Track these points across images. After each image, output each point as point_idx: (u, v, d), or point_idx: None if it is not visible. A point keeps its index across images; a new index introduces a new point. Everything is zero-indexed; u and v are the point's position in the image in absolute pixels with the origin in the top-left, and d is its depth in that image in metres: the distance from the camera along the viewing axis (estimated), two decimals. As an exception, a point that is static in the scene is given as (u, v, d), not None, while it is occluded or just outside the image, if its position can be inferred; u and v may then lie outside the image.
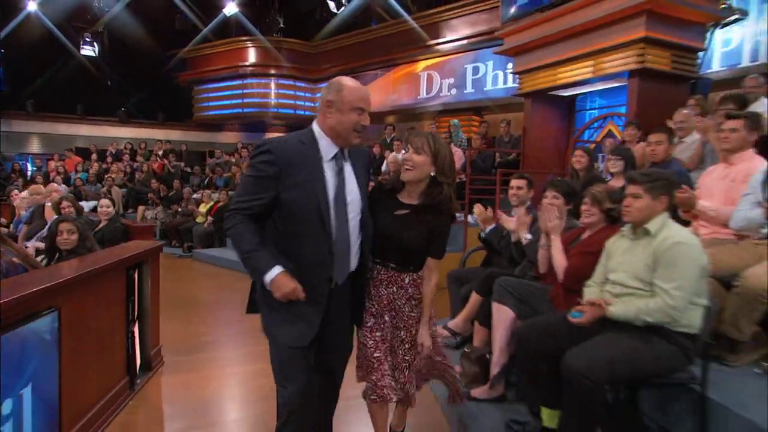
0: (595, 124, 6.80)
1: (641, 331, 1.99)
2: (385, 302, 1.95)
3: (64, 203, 4.85)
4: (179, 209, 9.20)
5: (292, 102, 13.85)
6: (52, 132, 14.22)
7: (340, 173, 1.75)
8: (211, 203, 8.51)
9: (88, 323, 2.36)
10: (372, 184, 2.03)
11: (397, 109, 12.68)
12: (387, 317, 1.95)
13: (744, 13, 5.73)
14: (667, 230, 2.10)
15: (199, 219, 8.50)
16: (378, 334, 1.94)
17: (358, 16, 12.42)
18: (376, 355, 1.91)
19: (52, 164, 11.61)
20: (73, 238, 3.04)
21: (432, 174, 1.86)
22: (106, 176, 10.68)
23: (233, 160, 10.70)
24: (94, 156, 12.26)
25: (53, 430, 2.03)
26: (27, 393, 1.84)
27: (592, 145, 6.42)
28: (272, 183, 1.66)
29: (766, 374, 2.25)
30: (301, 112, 14.11)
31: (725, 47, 7.52)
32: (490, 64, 10.47)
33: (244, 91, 13.84)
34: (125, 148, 12.90)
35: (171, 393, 3.05)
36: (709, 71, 7.63)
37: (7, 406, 1.73)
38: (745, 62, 7.37)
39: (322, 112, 1.76)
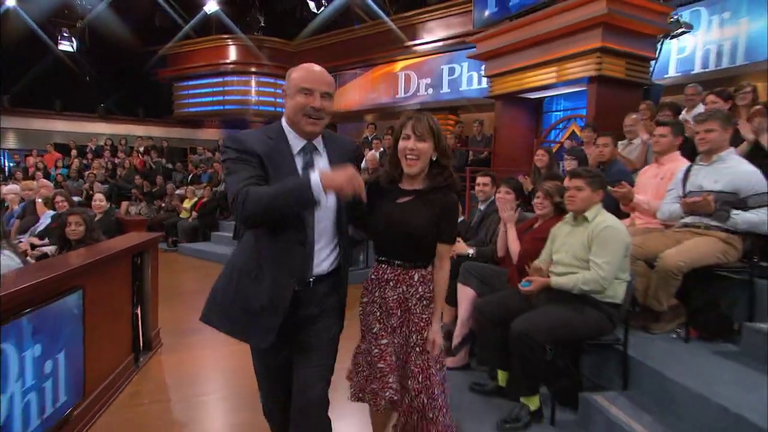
0: (561, 125, 7.31)
1: (575, 301, 2.43)
2: (392, 305, 1.78)
3: (58, 198, 5.09)
4: (162, 205, 9.40)
5: (272, 99, 14.09)
6: (29, 127, 14.13)
7: (306, 167, 1.61)
8: (195, 199, 8.75)
9: (104, 302, 2.69)
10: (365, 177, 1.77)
11: (376, 108, 13.05)
12: (395, 321, 1.78)
13: (689, 27, 6.28)
14: (601, 217, 2.54)
15: (183, 214, 8.73)
16: (384, 341, 1.76)
17: (338, 16, 12.70)
18: (380, 365, 1.72)
19: (31, 160, 11.63)
20: (81, 229, 3.33)
21: (434, 158, 1.73)
22: (87, 172, 10.76)
23: (216, 157, 10.91)
24: (73, 152, 12.29)
25: (79, 391, 2.36)
26: (61, 357, 2.17)
27: (557, 145, 6.95)
28: (256, 164, 1.55)
29: (681, 339, 2.73)
30: (282, 110, 14.11)
31: (680, 54, 8.19)
32: (465, 65, 10.92)
33: (225, 88, 14.03)
34: (105, 144, 12.95)
35: (171, 368, 3.39)
36: (666, 76, 8.29)
37: (48, 366, 2.06)
38: (697, 69, 8.06)
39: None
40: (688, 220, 2.88)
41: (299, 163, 1.62)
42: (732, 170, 2.74)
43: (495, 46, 6.85)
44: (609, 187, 2.97)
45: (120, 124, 14.80)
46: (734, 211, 2.67)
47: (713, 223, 2.72)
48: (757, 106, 3.73)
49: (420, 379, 1.75)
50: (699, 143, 2.88)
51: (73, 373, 2.28)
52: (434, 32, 11.58)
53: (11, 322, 1.80)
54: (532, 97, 7.29)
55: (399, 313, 1.78)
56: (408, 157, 1.68)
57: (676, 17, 5.98)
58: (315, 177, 1.44)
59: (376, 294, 1.80)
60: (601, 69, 5.70)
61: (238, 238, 1.82)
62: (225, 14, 13.26)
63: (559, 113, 7.77)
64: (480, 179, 3.82)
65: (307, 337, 1.69)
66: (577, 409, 2.47)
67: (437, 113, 11.46)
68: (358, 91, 13.14)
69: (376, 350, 1.75)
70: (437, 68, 11.68)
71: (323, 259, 1.67)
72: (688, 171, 2.95)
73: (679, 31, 5.99)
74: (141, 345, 3.32)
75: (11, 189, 6.01)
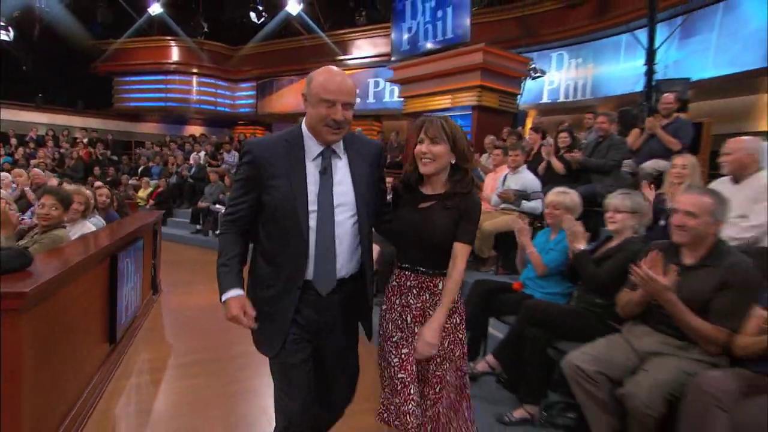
0: (456, 138, 9.43)
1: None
2: (416, 312, 1.73)
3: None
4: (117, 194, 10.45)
5: (213, 99, 15.24)
6: (-40, 115, 14.18)
7: (324, 173, 1.61)
8: (151, 189, 9.93)
9: (146, 251, 4.25)
10: (391, 180, 1.75)
11: (310, 112, 14.65)
12: (417, 329, 1.71)
13: (543, 72, 8.61)
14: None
15: (140, 203, 9.88)
16: (405, 351, 1.70)
17: (280, 29, 14.08)
18: (400, 375, 1.67)
19: (-30, 147, 11.99)
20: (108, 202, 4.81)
21: (452, 162, 1.69)
22: (32, 162, 11.40)
23: (163, 151, 11.99)
24: (13, 141, 12.73)
25: (140, 306, 3.94)
26: (129, 286, 3.75)
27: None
28: (253, 184, 1.60)
29: (495, 274, 4.76)
30: (222, 109, 15.57)
31: (550, 86, 10.68)
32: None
33: (167, 86, 14.97)
34: (47, 134, 13.45)
35: (176, 303, 4.95)
36: (540, 102, 10.76)
37: (132, 279, 3.66)
38: (561, 98, 10.60)
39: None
40: (502, 205, 4.93)
41: (314, 168, 1.61)
42: (524, 177, 4.82)
43: (407, 75, 8.82)
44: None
45: (58, 114, 15.17)
46: (523, 201, 4.74)
47: (512, 207, 4.78)
48: (544, 144, 5.85)
49: (437, 390, 1.70)
50: (509, 162, 4.94)
51: (136, 299, 3.87)
52: (362, 49, 13.44)
53: (125, 250, 3.40)
54: (436, 115, 9.33)
55: (423, 321, 1.71)
56: (423, 159, 1.66)
57: (533, 65, 8.25)
58: (224, 296, 1.57)
59: (397, 302, 1.75)
60: (480, 100, 7.82)
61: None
62: (169, 17, 14.19)
63: (456, 128, 9.92)
64: (388, 179, 5.69)
65: (332, 346, 1.72)
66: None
67: (364, 120, 13.37)
68: (294, 96, 14.66)
69: (396, 360, 1.69)
70: (364, 80, 13.51)
71: (343, 264, 1.65)
72: (505, 177, 5.01)
73: (537, 75, 8.28)
74: (157, 287, 4.87)
75: (5, 175, 7.03)
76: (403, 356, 1.69)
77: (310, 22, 13.61)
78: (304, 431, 1.68)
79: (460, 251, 1.69)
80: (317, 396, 1.73)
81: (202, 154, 10.64)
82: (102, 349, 2.96)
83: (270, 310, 1.62)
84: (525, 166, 4.96)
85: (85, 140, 12.99)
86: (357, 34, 13.44)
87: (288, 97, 14.79)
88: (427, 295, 1.73)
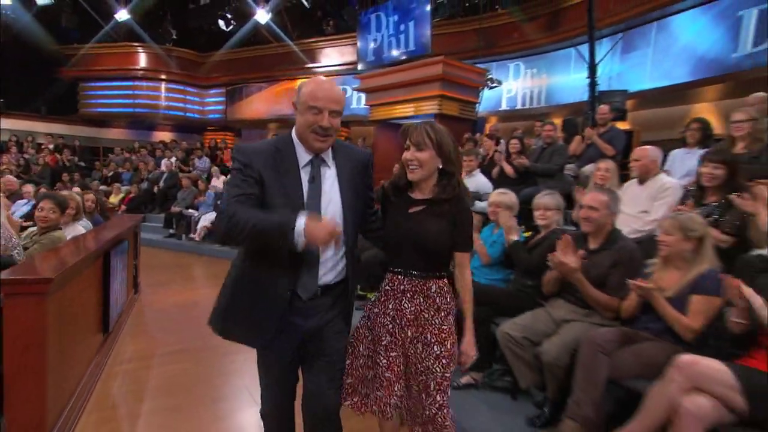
0: (420, 144, 9.97)
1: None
2: (409, 316, 1.74)
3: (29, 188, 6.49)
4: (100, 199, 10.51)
5: (182, 105, 15.33)
6: None
7: (313, 181, 1.63)
8: (122, 194, 10.05)
9: (129, 252, 4.55)
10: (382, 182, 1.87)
11: (279, 118, 14.95)
12: (411, 333, 1.73)
13: (500, 82, 9.25)
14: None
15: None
16: (394, 354, 1.73)
17: (249, 37, 14.33)
18: (387, 374, 1.71)
19: (-69, 153, 11.77)
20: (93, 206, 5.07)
21: (439, 166, 1.70)
22: (-4, 167, 11.32)
23: (133, 157, 12.07)
24: (-26, 146, 12.54)
25: (125, 302, 4.25)
26: (117, 282, 4.06)
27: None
28: (255, 184, 1.59)
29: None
30: (191, 115, 15.67)
31: (508, 94, 11.35)
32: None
33: (135, 92, 14.95)
34: (10, 139, 13.27)
35: (155, 301, 5.24)
36: (500, 109, 11.43)
37: (120, 278, 3.97)
38: (519, 105, 11.28)
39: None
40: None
41: (305, 175, 1.63)
42: (477, 180, 5.35)
43: (372, 84, 9.30)
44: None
45: (21, 120, 14.94)
46: (476, 202, 5.26)
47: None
48: (497, 150, 6.42)
49: (438, 398, 1.70)
50: (464, 166, 5.46)
51: (123, 292, 4.18)
52: (330, 57, 13.85)
53: (114, 249, 3.73)
54: (399, 122, 9.86)
55: (416, 325, 1.73)
56: (410, 166, 1.68)
57: (489, 76, 8.87)
58: (300, 224, 1.46)
59: (390, 306, 1.76)
60: (441, 109, 8.36)
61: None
62: (136, 23, 14.24)
63: (420, 135, 10.46)
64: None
65: (318, 344, 1.72)
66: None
67: (332, 126, 13.74)
68: (263, 103, 14.95)
69: (385, 360, 1.72)
70: (332, 88, 13.91)
71: (329, 270, 1.67)
72: (461, 181, 5.54)
73: (493, 85, 8.90)
74: (137, 286, 5.15)
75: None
76: (391, 358, 1.72)
77: (279, 31, 13.94)
78: (276, 415, 1.83)
79: (465, 260, 1.76)
80: (311, 394, 1.75)
81: (173, 159, 10.80)
82: (97, 338, 3.29)
83: (254, 313, 1.66)
84: (479, 170, 5.49)
85: (51, 146, 12.90)
86: (324, 43, 13.85)
87: (257, 104, 15.05)
88: (421, 299, 1.74)
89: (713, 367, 1.69)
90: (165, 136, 15.91)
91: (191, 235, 8.39)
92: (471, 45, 11.10)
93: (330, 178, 1.68)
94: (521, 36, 10.69)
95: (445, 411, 1.71)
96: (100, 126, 15.94)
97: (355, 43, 12.30)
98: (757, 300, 1.78)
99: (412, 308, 1.74)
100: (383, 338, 1.76)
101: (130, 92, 14.96)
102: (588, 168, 5.51)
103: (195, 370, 3.42)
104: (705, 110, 8.56)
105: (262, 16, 13.01)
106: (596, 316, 2.49)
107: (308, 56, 13.98)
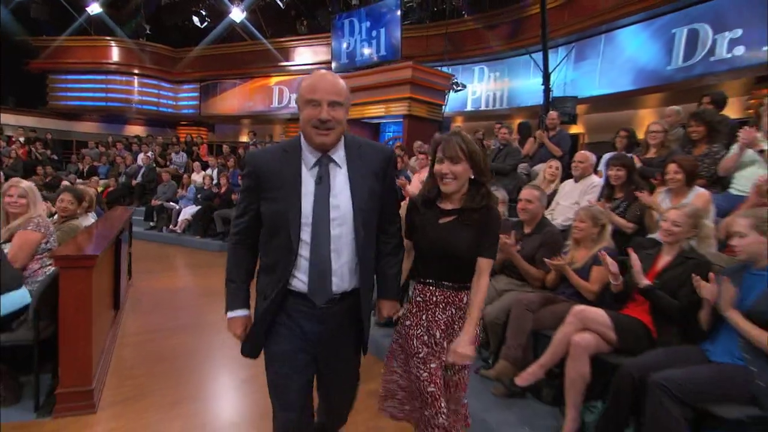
0: (390, 142, 10.59)
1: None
2: (443, 327, 1.75)
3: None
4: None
5: (155, 100, 15.47)
6: None
7: (320, 182, 1.56)
8: (101, 188, 10.26)
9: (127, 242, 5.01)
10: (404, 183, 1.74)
11: (253, 114, 15.32)
12: (446, 344, 1.75)
13: (464, 86, 9.98)
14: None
15: (88, 201, 10.21)
16: (433, 365, 1.72)
17: (224, 34, 14.59)
18: (430, 389, 1.69)
19: None
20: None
21: (471, 177, 1.72)
22: (-33, 160, 11.30)
23: (110, 151, 12.23)
24: (-59, 138, 12.42)
25: (125, 286, 4.72)
26: (122, 266, 4.53)
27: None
28: (253, 196, 1.60)
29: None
30: (164, 109, 15.83)
31: (473, 96, 12.09)
32: (328, 86, 13.83)
33: (108, 86, 15.02)
34: (-21, 132, 13.18)
35: (147, 286, 5.70)
36: (465, 109, 12.16)
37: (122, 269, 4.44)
38: (483, 107, 12.03)
39: None
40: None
41: (310, 177, 1.58)
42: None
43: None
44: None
45: (-13, 112, 14.78)
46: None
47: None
48: None
49: (452, 391, 1.79)
50: (417, 164, 6.11)
51: (124, 271, 4.64)
52: (303, 56, 14.30)
53: (123, 233, 4.20)
54: (372, 121, 10.47)
55: (448, 335, 1.75)
56: (445, 180, 1.68)
57: (455, 80, 9.57)
58: (230, 315, 1.68)
59: (423, 317, 1.77)
60: (410, 110, 9.02)
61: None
62: (109, 17, 14.29)
63: (390, 134, 11.08)
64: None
65: (333, 357, 1.71)
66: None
67: (306, 123, 14.19)
68: (237, 99, 15.26)
69: (425, 374, 1.71)
70: (306, 86, 14.36)
71: (343, 279, 1.62)
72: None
73: (458, 88, 9.60)
74: (131, 272, 5.60)
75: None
76: (431, 370, 1.71)
77: (253, 29, 14.27)
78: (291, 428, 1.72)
79: (485, 266, 1.73)
80: (320, 402, 1.80)
81: (150, 154, 11.08)
82: (111, 313, 3.78)
83: (275, 325, 1.66)
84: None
85: (22, 139, 12.89)
86: (298, 42, 14.28)
87: (231, 100, 15.34)
88: (453, 310, 1.75)
89: (596, 312, 2.38)
90: (137, 130, 16.02)
91: (172, 228, 8.77)
92: (438, 49, 11.79)
93: (341, 179, 1.59)
94: (485, 41, 11.44)
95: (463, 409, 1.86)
96: (71, 119, 15.89)
97: (329, 43, 12.81)
98: (636, 263, 2.48)
99: (445, 318, 1.75)
100: (420, 350, 1.74)
101: (103, 86, 15.02)
102: (538, 167, 6.26)
103: (194, 342, 3.96)
104: (648, 115, 9.49)
105: (237, 14, 13.34)
106: (529, 287, 3.17)
107: (282, 54, 14.38)
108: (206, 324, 4.40)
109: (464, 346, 1.69)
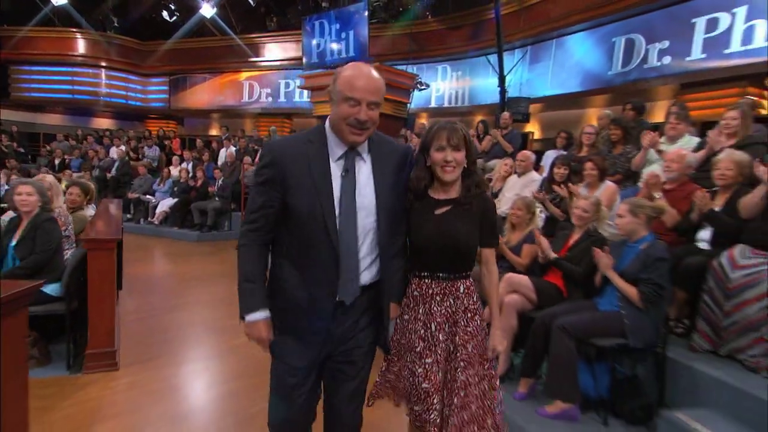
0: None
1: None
2: (440, 320, 1.71)
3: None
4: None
5: (123, 93, 15.48)
6: None
7: (347, 174, 1.55)
8: (74, 181, 10.45)
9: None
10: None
11: (223, 109, 15.56)
12: (442, 336, 1.71)
13: (427, 85, 10.66)
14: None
15: (62, 194, 10.38)
16: (428, 360, 1.69)
17: (195, 29, 14.74)
18: (425, 386, 1.67)
19: None
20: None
21: (465, 165, 1.69)
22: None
23: (83, 144, 12.33)
24: None
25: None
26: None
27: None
28: (275, 187, 1.52)
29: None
30: (133, 103, 15.86)
31: (437, 93, 12.79)
32: (298, 81, 14.15)
33: (74, 78, 14.92)
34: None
35: (136, 272, 6.13)
36: (429, 106, 12.85)
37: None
38: (446, 104, 12.75)
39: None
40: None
41: (337, 169, 1.55)
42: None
43: (316, 84, 10.32)
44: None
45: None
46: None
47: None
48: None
49: (462, 395, 1.68)
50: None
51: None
52: (273, 52, 14.64)
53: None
54: (341, 117, 11.00)
55: (446, 328, 1.72)
56: (447, 167, 1.65)
57: (419, 80, 10.23)
58: (252, 318, 1.52)
59: (420, 311, 1.74)
60: (377, 108, 9.62)
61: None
62: (75, 9, 14.19)
63: (358, 129, 11.68)
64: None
65: (345, 355, 1.65)
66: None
67: (275, 118, 14.62)
68: (207, 93, 15.46)
69: (420, 369, 1.69)
70: (276, 81, 14.74)
71: (363, 270, 1.60)
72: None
73: (422, 87, 10.27)
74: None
75: None
76: (427, 366, 1.69)
77: (223, 25, 14.50)
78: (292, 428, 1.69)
79: (491, 256, 1.78)
80: (331, 412, 1.72)
81: (123, 148, 11.30)
82: (115, 291, 4.27)
83: (295, 322, 1.59)
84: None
85: (-13, 132, 12.80)
86: (268, 38, 14.60)
87: (202, 94, 15.53)
88: (451, 300, 1.72)
89: (521, 278, 3.09)
90: (105, 122, 16.02)
91: (150, 219, 9.13)
92: (404, 48, 12.41)
93: (365, 172, 1.59)
94: (447, 42, 12.15)
95: (464, 415, 1.68)
96: (35, 111, 15.71)
97: (298, 41, 13.16)
98: (544, 242, 3.19)
99: (442, 311, 1.72)
100: (416, 345, 1.73)
101: (69, 78, 14.91)
102: (492, 162, 7.00)
103: (189, 317, 4.51)
104: (594, 114, 10.41)
105: (207, 10, 13.56)
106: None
107: (253, 50, 14.66)
108: (196, 303, 4.95)
109: (499, 341, 1.76)
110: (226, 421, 2.70)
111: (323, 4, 12.19)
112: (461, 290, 1.73)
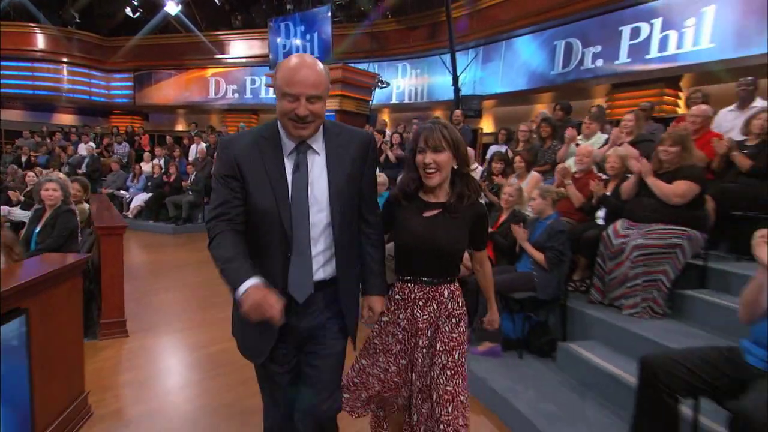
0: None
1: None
2: (422, 325, 1.69)
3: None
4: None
5: (87, 89, 15.47)
6: None
7: (297, 170, 1.51)
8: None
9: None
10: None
11: (189, 105, 15.80)
12: (423, 342, 1.70)
13: (388, 84, 11.38)
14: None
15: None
16: (403, 362, 1.74)
17: (159, 25, 14.87)
18: (395, 380, 1.74)
19: None
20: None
21: (454, 167, 1.66)
22: None
23: (48, 142, 12.40)
24: None
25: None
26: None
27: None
28: (234, 183, 1.50)
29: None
30: (96, 98, 15.86)
31: (398, 90, 13.52)
32: (264, 78, 14.63)
33: (34, 74, 14.80)
34: None
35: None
36: (391, 102, 13.57)
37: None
38: (407, 100, 13.50)
39: None
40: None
41: (290, 164, 1.52)
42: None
43: (283, 82, 10.93)
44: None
45: None
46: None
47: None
48: (384, 141, 8.53)
49: (450, 409, 1.63)
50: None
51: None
52: (238, 49, 15.01)
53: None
54: (307, 114, 11.59)
55: (429, 333, 1.70)
56: (427, 170, 1.61)
57: (380, 78, 10.93)
58: (242, 289, 1.34)
59: (401, 315, 1.73)
60: (341, 106, 10.26)
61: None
62: (32, 3, 14.08)
63: (324, 125, 12.29)
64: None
65: (313, 348, 1.63)
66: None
67: (242, 114, 15.01)
68: (173, 89, 15.66)
69: (394, 367, 1.73)
70: (242, 77, 15.11)
71: (320, 266, 1.57)
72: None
73: (383, 86, 10.98)
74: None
75: None
76: (401, 366, 1.74)
77: (188, 22, 14.72)
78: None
79: (483, 256, 1.84)
80: (303, 407, 1.64)
81: (92, 144, 11.51)
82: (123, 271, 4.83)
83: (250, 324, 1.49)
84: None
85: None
86: (234, 35, 14.93)
87: (167, 90, 15.71)
88: (434, 305, 1.70)
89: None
90: (68, 119, 15.96)
91: (125, 213, 9.50)
92: (365, 47, 13.06)
93: (318, 166, 1.55)
94: (407, 41, 12.87)
95: (458, 428, 1.63)
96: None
97: (264, 38, 13.63)
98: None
99: (425, 316, 1.70)
100: (392, 347, 1.75)
101: (28, 74, 14.79)
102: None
103: (182, 297, 5.12)
104: (541, 110, 11.40)
105: (172, 7, 13.77)
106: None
107: (218, 47, 14.97)
108: (183, 286, 5.53)
109: (496, 319, 1.99)
110: (218, 371, 3.35)
111: (288, 6, 12.66)
112: (445, 294, 1.71)
